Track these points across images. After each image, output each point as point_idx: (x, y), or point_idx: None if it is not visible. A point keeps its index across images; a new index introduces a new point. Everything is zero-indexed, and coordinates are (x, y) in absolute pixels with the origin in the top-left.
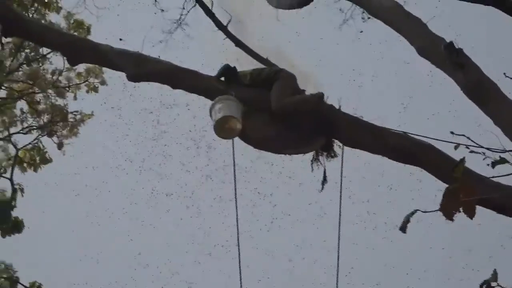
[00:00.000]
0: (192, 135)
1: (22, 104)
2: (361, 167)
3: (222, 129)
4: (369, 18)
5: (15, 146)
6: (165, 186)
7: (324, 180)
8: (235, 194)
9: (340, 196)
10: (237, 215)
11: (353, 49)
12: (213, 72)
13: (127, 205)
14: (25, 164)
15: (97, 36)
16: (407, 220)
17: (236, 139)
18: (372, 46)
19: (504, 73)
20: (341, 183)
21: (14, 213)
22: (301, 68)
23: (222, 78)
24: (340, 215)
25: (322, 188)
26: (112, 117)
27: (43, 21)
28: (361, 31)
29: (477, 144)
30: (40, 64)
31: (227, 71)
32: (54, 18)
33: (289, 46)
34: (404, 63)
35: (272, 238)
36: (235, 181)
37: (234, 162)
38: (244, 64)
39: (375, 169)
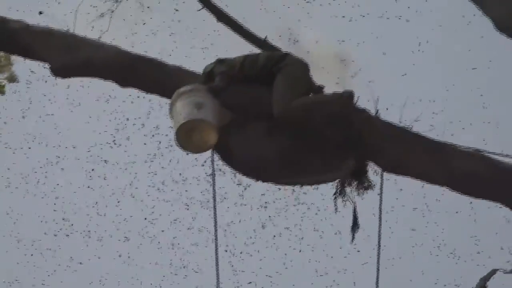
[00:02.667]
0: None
1: None
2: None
3: (188, 138)
4: None
5: None
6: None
7: (355, 224)
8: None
9: (379, 252)
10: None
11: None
12: (184, 62)
13: None
14: None
15: (4, 7)
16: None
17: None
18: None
19: None
20: (379, 229)
21: None
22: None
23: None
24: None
25: (353, 237)
26: (26, 127)
27: None
28: None
29: None
30: None
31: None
32: None
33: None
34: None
35: None
36: (215, 213)
37: (214, 187)
38: (231, 49)
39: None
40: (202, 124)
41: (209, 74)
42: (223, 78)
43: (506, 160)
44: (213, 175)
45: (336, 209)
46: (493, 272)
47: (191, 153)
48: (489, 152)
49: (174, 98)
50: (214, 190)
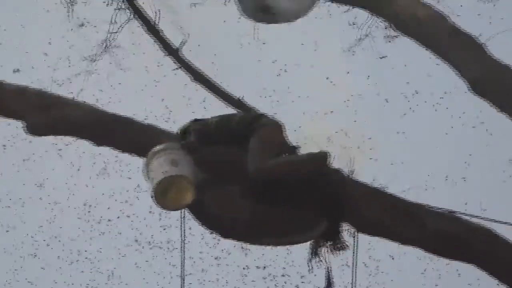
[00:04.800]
0: None
1: None
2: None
3: (166, 196)
4: (396, 36)
5: None
6: None
7: (329, 284)
8: None
9: None
10: None
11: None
12: (160, 122)
13: None
14: None
15: None
16: None
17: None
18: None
19: None
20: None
21: None
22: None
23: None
24: None
25: None
26: None
27: None
28: (383, 57)
29: None
30: None
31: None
32: None
33: (279, 78)
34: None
35: None
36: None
37: (183, 245)
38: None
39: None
40: (180, 180)
41: (184, 133)
42: (196, 134)
43: (476, 220)
44: (182, 236)
45: (310, 269)
46: None
47: (169, 210)
48: (461, 213)
49: (149, 157)
50: (183, 255)
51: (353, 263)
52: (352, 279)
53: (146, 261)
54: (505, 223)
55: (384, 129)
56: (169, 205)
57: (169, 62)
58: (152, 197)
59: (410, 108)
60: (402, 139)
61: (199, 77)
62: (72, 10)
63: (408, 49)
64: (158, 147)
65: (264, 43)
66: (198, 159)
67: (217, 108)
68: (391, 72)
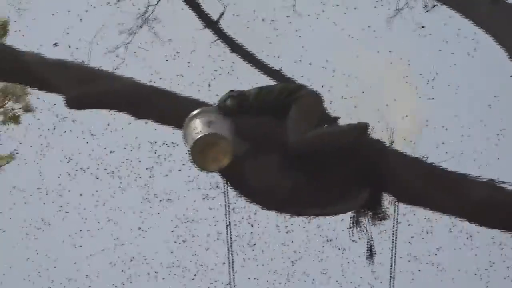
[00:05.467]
0: None
1: None
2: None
3: (203, 155)
4: (434, 6)
5: None
6: None
7: (371, 252)
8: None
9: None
10: None
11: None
12: (198, 94)
13: None
14: None
15: (18, 39)
16: None
17: None
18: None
19: None
20: (393, 259)
21: None
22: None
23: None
24: None
25: (370, 263)
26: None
27: None
28: (422, 26)
29: None
30: None
31: (235, 101)
32: None
33: (313, 51)
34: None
35: None
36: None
37: (227, 209)
38: (244, 80)
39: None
40: (216, 140)
41: (225, 106)
42: (234, 100)
43: None
44: (227, 205)
45: (352, 239)
46: None
47: (207, 171)
48: (504, 182)
49: (186, 122)
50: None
51: (393, 232)
52: (392, 249)
53: None
54: None
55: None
56: (207, 165)
57: (208, 34)
58: (189, 158)
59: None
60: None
61: (237, 48)
62: None
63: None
64: (195, 112)
65: (300, 15)
66: (239, 131)
67: (253, 81)
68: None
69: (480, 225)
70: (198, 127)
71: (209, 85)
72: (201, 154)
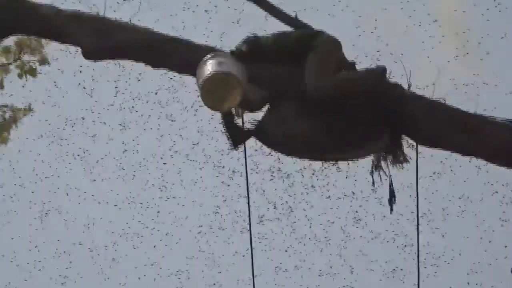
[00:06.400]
0: None
1: None
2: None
3: (214, 94)
4: None
5: None
6: None
7: (392, 197)
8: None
9: (418, 226)
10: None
11: None
12: (215, 41)
13: None
14: None
15: None
16: None
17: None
18: None
19: None
20: (417, 204)
21: None
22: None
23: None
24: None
25: (391, 209)
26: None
27: None
28: None
29: None
30: None
31: (250, 45)
32: None
33: None
34: None
35: None
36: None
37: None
38: (260, 28)
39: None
40: (226, 78)
41: (242, 52)
42: (248, 45)
43: None
44: (245, 162)
45: (373, 183)
46: None
47: (218, 110)
48: None
49: (199, 66)
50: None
51: (416, 176)
52: (417, 194)
53: None
54: None
55: None
56: (218, 104)
57: None
58: (201, 99)
59: None
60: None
61: None
62: None
63: None
64: (207, 56)
65: None
66: (253, 75)
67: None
68: None
69: (500, 165)
70: (208, 67)
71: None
72: (210, 93)
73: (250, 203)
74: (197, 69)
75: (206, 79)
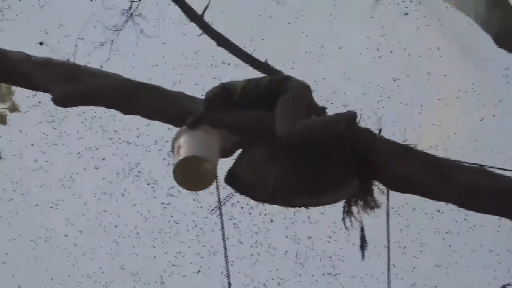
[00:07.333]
0: None
1: None
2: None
3: (186, 176)
4: None
5: None
6: None
7: (363, 243)
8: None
9: (389, 269)
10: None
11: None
12: (186, 89)
13: None
14: None
15: (4, 38)
16: None
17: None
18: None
19: None
20: (388, 246)
21: None
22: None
23: None
24: None
25: (363, 255)
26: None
27: None
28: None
29: None
30: None
31: (220, 93)
32: None
33: (299, 42)
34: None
35: None
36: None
37: (220, 210)
38: (231, 74)
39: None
40: (197, 160)
41: (212, 99)
42: (217, 91)
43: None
44: (219, 200)
45: (346, 228)
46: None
47: (190, 190)
48: (491, 167)
49: (177, 133)
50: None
51: (387, 221)
52: (387, 236)
53: None
54: None
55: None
56: (192, 184)
57: (193, 28)
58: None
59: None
60: None
61: (223, 42)
62: None
63: None
64: (184, 127)
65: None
66: (230, 126)
67: (245, 74)
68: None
69: (470, 209)
70: (181, 147)
71: (200, 76)
72: (184, 175)
73: None
74: (173, 142)
75: (177, 164)
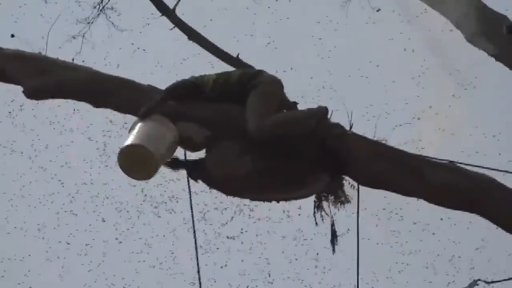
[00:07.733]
0: None
1: None
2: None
3: (131, 165)
4: None
5: None
6: None
7: (334, 237)
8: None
9: (358, 262)
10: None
11: (364, 36)
12: (157, 81)
13: None
14: None
15: None
16: None
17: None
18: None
19: None
20: (357, 241)
21: None
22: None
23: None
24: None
25: (334, 249)
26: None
27: None
28: (378, 9)
29: None
30: None
31: (189, 85)
32: None
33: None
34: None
35: None
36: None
37: (191, 205)
38: (202, 68)
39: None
40: (140, 149)
41: (170, 91)
42: (185, 84)
43: (478, 170)
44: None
45: (316, 223)
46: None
47: (136, 179)
48: (460, 163)
49: (134, 122)
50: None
51: (357, 217)
52: (357, 232)
53: None
54: (505, 171)
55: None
56: (137, 173)
57: (165, 22)
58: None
59: None
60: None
61: (194, 36)
62: None
63: None
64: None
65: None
66: (201, 120)
67: (217, 69)
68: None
69: (439, 205)
70: (129, 135)
71: (168, 71)
72: (129, 163)
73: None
74: (129, 130)
75: (120, 153)
